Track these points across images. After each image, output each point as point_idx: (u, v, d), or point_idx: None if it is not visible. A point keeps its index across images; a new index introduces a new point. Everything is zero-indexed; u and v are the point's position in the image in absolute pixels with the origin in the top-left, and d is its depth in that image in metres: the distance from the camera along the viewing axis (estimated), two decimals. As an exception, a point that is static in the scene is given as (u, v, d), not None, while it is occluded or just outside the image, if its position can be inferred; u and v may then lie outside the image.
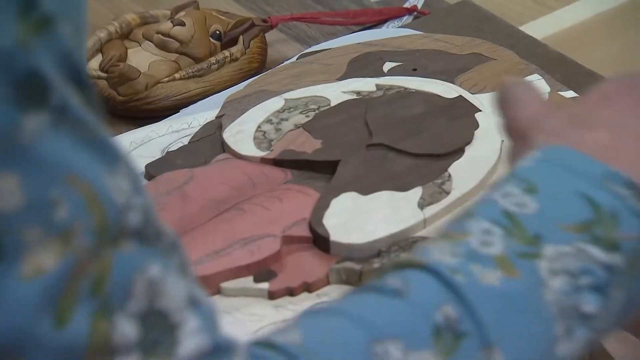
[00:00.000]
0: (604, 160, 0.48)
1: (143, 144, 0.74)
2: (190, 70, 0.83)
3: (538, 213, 0.46)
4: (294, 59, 0.81)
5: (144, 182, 0.70)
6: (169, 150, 0.73)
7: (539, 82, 0.75)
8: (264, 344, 0.43)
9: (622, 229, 0.46)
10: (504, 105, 0.53)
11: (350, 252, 0.63)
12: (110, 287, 0.38)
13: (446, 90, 0.74)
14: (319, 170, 0.69)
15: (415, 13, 0.90)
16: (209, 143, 0.72)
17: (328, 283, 0.63)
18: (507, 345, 0.44)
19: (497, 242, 0.46)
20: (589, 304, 0.46)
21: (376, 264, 0.63)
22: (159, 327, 0.39)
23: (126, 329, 0.38)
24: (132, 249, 0.39)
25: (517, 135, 0.52)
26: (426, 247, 0.47)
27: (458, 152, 0.68)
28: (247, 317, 0.61)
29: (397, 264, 0.47)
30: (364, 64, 0.78)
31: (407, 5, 0.91)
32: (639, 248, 0.47)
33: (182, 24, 0.84)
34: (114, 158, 0.40)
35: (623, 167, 0.47)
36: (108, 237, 0.38)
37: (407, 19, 0.89)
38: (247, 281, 0.63)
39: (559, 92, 0.74)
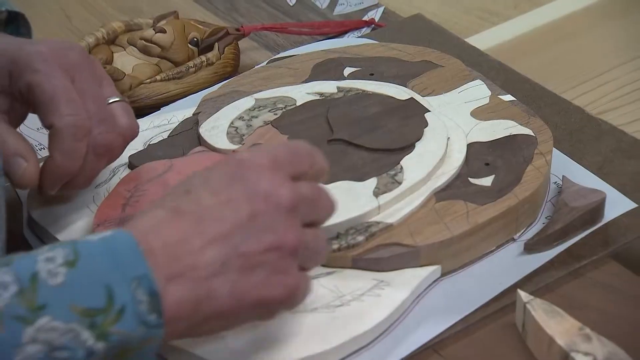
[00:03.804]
0: (157, 257, 0.48)
1: (127, 138, 0.73)
2: (170, 73, 0.83)
3: (61, 286, 0.47)
4: (264, 63, 0.81)
5: (128, 171, 0.70)
6: (151, 143, 0.73)
7: (481, 87, 0.75)
8: None
9: (121, 326, 0.47)
10: None
11: (312, 234, 0.64)
12: None
13: (399, 92, 0.74)
14: (285, 162, 0.69)
15: (373, 25, 0.90)
16: (187, 137, 0.72)
17: (292, 262, 0.64)
18: None
19: (5, 297, 0.46)
20: None
21: (335, 245, 0.63)
22: None
23: None
24: None
25: None
26: None
27: (409, 147, 0.69)
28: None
29: None
30: (326, 68, 0.78)
31: (365, 18, 0.91)
32: (125, 343, 0.48)
33: (163, 31, 0.84)
34: None
35: (164, 267, 0.48)
36: None
37: (365, 30, 0.90)
38: (220, 259, 0.63)
39: (499, 96, 0.75)
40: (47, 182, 0.62)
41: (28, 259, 0.48)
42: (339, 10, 0.93)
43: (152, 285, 0.48)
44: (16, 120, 0.63)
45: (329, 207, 0.56)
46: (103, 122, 0.62)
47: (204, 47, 0.85)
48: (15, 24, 0.70)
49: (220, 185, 0.52)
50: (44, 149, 0.79)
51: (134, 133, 0.64)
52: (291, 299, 0.53)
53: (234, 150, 0.70)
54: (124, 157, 0.70)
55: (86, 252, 0.48)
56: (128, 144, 0.64)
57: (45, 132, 0.82)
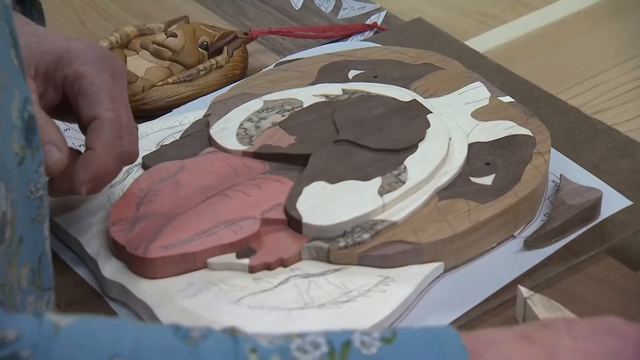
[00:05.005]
0: None
1: (140, 139, 0.72)
2: (181, 76, 0.82)
3: (371, 357, 0.44)
4: (272, 66, 0.80)
5: (141, 171, 0.69)
6: (163, 144, 0.72)
7: (480, 88, 0.74)
8: None
9: None
10: None
11: (319, 232, 0.63)
12: None
13: (402, 94, 0.73)
14: (293, 162, 0.68)
15: (376, 29, 0.90)
16: (198, 138, 0.72)
17: (300, 259, 0.63)
18: None
19: (314, 355, 0.44)
20: None
21: (341, 242, 0.62)
22: None
23: None
24: None
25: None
26: (259, 333, 0.45)
27: (412, 147, 0.68)
28: (231, 288, 0.61)
29: (225, 329, 0.45)
30: (332, 71, 0.77)
31: (368, 22, 0.91)
32: None
33: (175, 35, 0.83)
34: None
35: None
36: None
37: (368, 33, 0.89)
38: (231, 257, 0.62)
39: (498, 98, 0.74)
40: (84, 177, 0.59)
41: (345, 330, 0.46)
42: (342, 14, 0.93)
43: None
44: (45, 107, 0.62)
45: None
46: (130, 134, 0.61)
47: (213, 51, 0.84)
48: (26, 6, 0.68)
49: (584, 333, 0.48)
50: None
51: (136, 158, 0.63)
52: None
53: (243, 152, 0.69)
54: (138, 158, 0.70)
55: (405, 334, 0.45)
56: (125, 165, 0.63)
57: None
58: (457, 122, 0.71)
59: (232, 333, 0.45)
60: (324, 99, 0.73)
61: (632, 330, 0.48)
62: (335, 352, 0.44)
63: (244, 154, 0.69)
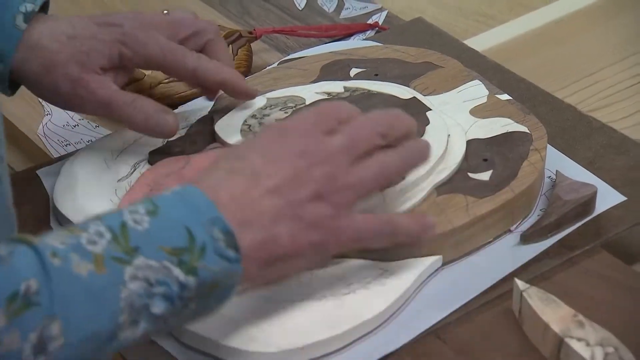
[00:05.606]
0: (225, 206, 0.52)
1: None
2: (187, 74, 0.82)
3: (147, 232, 0.51)
4: (275, 64, 0.80)
5: (148, 166, 0.70)
6: (169, 139, 0.72)
7: (479, 87, 0.75)
8: None
9: (205, 261, 0.51)
10: None
11: (321, 226, 0.63)
12: None
13: (402, 92, 0.73)
14: (296, 158, 0.68)
15: (377, 28, 0.90)
16: (203, 134, 0.72)
17: (302, 252, 0.63)
18: (69, 320, 0.48)
19: (102, 243, 0.50)
20: (157, 307, 0.50)
21: (343, 236, 0.63)
22: None
23: None
24: None
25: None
26: (51, 232, 0.50)
27: (412, 144, 0.68)
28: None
29: (14, 237, 0.49)
30: (334, 69, 0.77)
31: (370, 21, 0.91)
32: (213, 277, 0.51)
33: (181, 34, 0.83)
34: None
35: (233, 214, 0.52)
36: None
37: (370, 33, 0.89)
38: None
39: (496, 95, 0.74)
40: (242, 85, 0.70)
41: (114, 213, 0.51)
42: (344, 14, 0.93)
43: (226, 226, 0.52)
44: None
45: (386, 122, 0.59)
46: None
47: (218, 49, 0.84)
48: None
49: (266, 147, 0.56)
50: (68, 144, 0.79)
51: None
52: (337, 242, 0.56)
53: None
54: (144, 153, 0.70)
55: (163, 203, 0.52)
56: None
57: (70, 128, 0.82)
58: (455, 119, 0.71)
59: (29, 243, 0.49)
60: (326, 97, 0.73)
61: (295, 122, 0.58)
62: (118, 235, 0.50)
63: (248, 149, 0.69)
